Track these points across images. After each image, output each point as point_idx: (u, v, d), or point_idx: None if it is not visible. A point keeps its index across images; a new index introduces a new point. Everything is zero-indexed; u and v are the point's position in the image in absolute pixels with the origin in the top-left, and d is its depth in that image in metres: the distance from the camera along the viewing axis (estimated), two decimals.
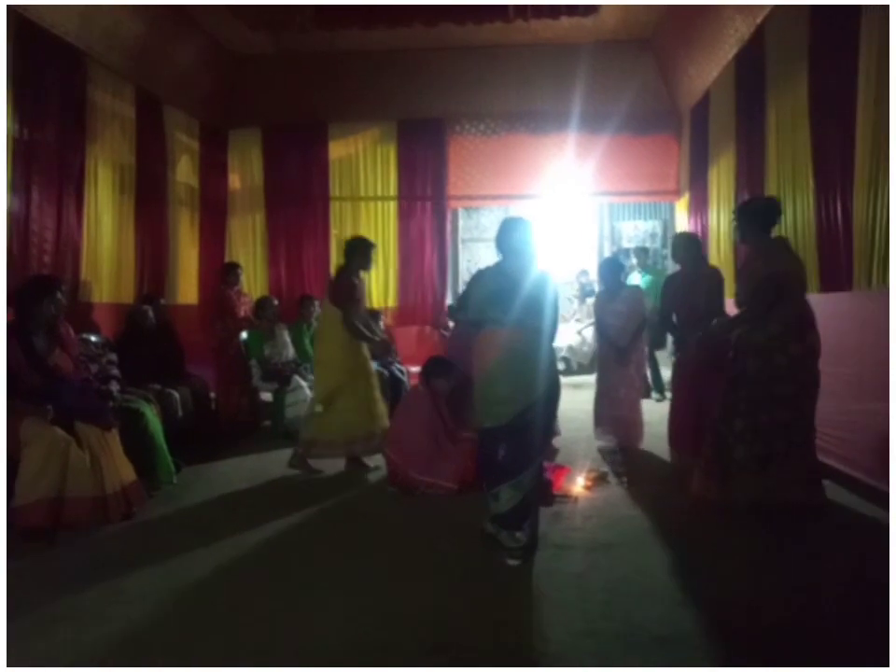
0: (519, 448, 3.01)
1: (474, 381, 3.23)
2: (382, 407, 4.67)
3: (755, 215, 3.60)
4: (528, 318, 3.06)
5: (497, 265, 3.24)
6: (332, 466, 4.62)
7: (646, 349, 5.33)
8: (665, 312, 4.65)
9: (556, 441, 4.87)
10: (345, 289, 4.44)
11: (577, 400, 6.01)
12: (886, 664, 1.82)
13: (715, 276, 4.52)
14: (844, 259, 4.16)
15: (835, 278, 4.27)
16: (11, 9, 4.43)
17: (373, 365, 4.80)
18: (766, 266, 3.43)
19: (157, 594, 2.72)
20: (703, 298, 4.32)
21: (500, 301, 3.07)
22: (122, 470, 3.68)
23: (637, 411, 5.15)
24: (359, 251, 4.53)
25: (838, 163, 4.20)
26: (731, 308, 4.12)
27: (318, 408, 4.52)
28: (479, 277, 3.28)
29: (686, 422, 4.35)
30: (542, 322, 3.10)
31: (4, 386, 3.34)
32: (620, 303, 5.12)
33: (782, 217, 3.74)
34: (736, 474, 3.46)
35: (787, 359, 3.35)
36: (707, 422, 3.75)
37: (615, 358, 5.03)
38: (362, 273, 4.62)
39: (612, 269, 5.34)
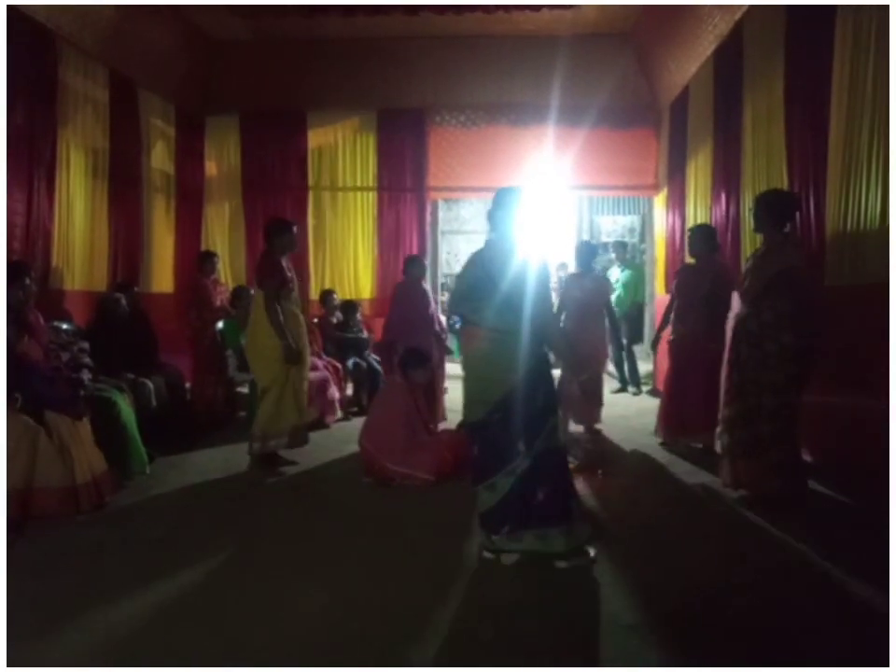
0: (489, 449, 2.92)
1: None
2: (305, 399, 4.53)
3: (772, 207, 3.57)
4: (502, 319, 2.88)
5: (481, 251, 3.08)
6: (307, 457, 4.60)
7: (609, 343, 5.63)
8: (672, 299, 4.91)
9: None
10: (269, 267, 4.28)
11: None
12: (885, 663, 1.84)
13: (723, 270, 4.69)
14: (817, 253, 4.22)
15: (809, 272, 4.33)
16: None
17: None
18: (780, 261, 3.43)
19: (127, 586, 2.68)
20: (705, 289, 4.51)
21: (473, 297, 2.95)
22: (93, 460, 3.63)
23: (599, 392, 5.34)
24: (281, 231, 4.39)
25: (811, 158, 4.26)
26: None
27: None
28: (465, 267, 3.10)
29: (672, 404, 4.67)
30: (519, 322, 2.85)
31: (3, 385, 3.27)
32: (589, 281, 5.45)
33: (797, 211, 3.78)
34: (735, 459, 3.55)
35: (777, 348, 3.38)
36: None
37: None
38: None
39: (588, 251, 5.67)
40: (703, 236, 4.70)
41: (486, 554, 2.93)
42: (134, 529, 3.34)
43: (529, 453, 2.85)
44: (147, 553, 3.02)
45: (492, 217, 3.07)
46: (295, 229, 4.52)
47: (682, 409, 4.60)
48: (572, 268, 10.16)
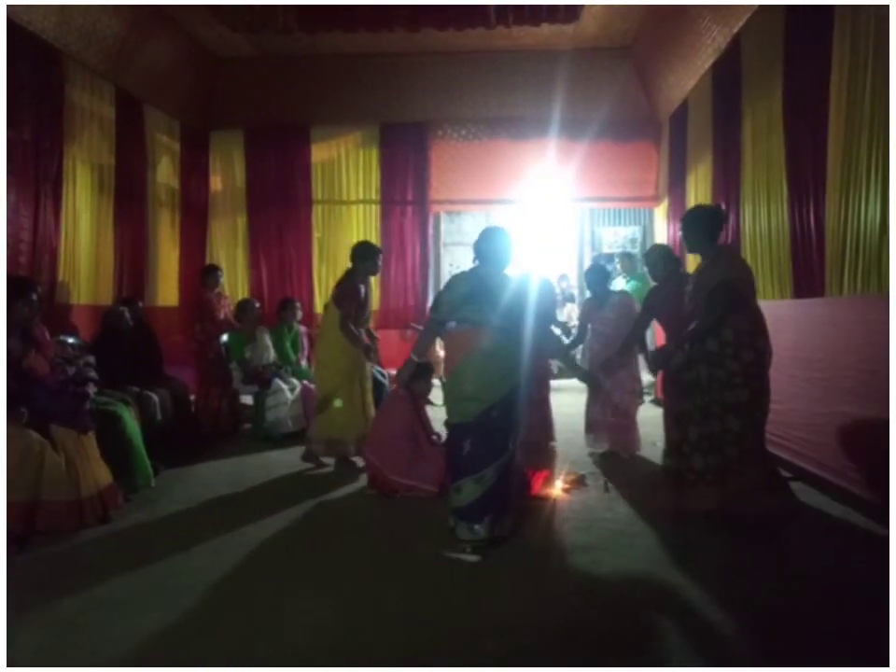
0: (484, 444, 3.14)
1: (445, 378, 3.35)
2: (372, 411, 4.79)
3: (701, 223, 3.56)
4: (496, 318, 3.17)
5: (473, 269, 3.41)
6: (311, 469, 4.61)
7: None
8: (641, 324, 4.38)
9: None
10: (349, 292, 4.57)
11: (555, 404, 6.01)
12: (885, 663, 1.84)
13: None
14: (816, 265, 4.24)
15: (808, 284, 4.35)
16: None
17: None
18: (716, 275, 3.38)
19: (132, 599, 2.69)
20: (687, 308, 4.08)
21: (470, 301, 3.22)
22: (98, 474, 3.64)
23: (631, 416, 4.96)
24: (368, 256, 4.68)
25: (811, 171, 4.28)
26: None
27: (338, 403, 4.63)
28: (454, 280, 3.43)
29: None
30: (513, 323, 3.22)
31: (3, 387, 3.30)
32: (608, 310, 4.94)
33: (724, 224, 3.84)
34: (693, 483, 3.41)
35: (739, 366, 3.30)
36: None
37: (601, 366, 4.59)
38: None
39: (598, 276, 5.14)
40: (662, 258, 4.39)
41: (469, 558, 3.02)
42: (139, 542, 3.35)
43: (515, 446, 3.19)
44: (151, 567, 3.03)
45: (482, 248, 3.36)
46: (381, 255, 4.77)
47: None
48: (574, 280, 10.27)
